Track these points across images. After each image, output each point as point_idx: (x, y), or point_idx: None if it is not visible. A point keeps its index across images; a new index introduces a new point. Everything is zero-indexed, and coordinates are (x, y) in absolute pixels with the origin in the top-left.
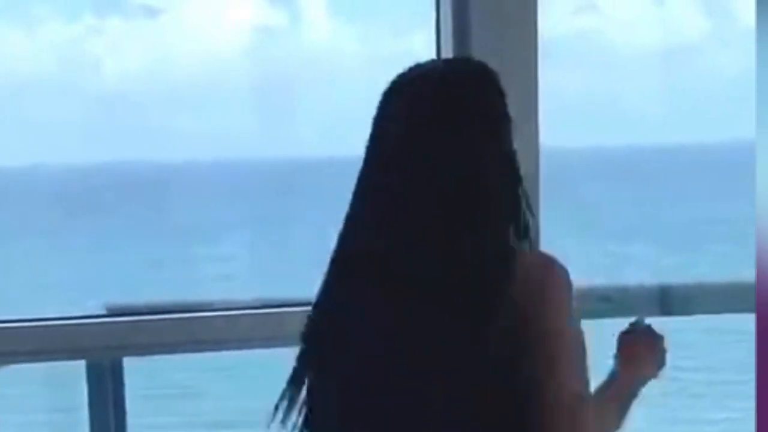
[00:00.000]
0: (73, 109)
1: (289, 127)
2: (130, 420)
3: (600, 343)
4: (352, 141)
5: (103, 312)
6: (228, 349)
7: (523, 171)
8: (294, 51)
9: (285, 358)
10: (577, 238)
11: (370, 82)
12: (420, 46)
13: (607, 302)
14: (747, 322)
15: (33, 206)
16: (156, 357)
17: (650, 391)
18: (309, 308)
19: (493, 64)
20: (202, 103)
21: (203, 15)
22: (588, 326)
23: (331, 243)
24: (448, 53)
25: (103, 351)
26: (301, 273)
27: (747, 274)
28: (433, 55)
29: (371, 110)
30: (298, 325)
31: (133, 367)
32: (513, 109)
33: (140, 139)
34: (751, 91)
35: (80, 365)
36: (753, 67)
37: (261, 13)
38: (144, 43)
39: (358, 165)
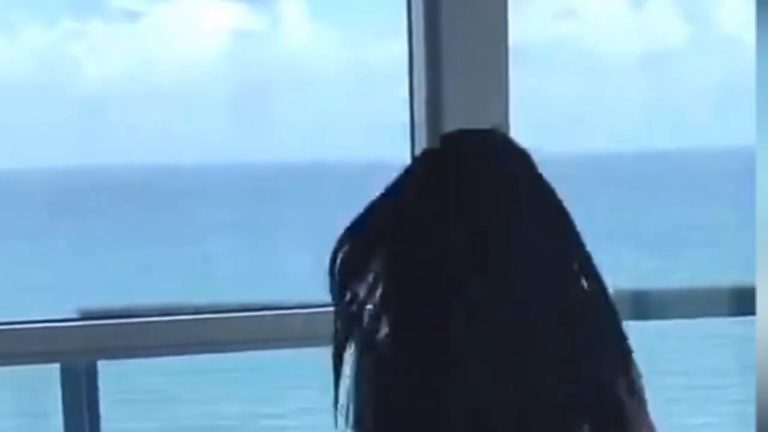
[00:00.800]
0: (54, 112)
1: (269, 131)
2: (105, 425)
3: None
4: (332, 145)
5: (77, 315)
6: (204, 352)
7: None
8: (274, 55)
9: (261, 362)
10: None
11: (350, 87)
12: (400, 51)
13: None
14: (723, 326)
15: (14, 209)
16: (131, 361)
17: None
18: (290, 310)
19: (464, 69)
20: (183, 107)
21: (184, 19)
22: None
23: (313, 247)
24: (420, 58)
25: (77, 354)
26: (282, 276)
27: (724, 278)
28: (406, 61)
29: (351, 115)
30: (277, 328)
31: (108, 371)
32: (485, 114)
33: (121, 143)
34: (730, 96)
35: (54, 369)
36: (733, 73)
37: (241, 18)
38: (125, 46)
39: (338, 169)
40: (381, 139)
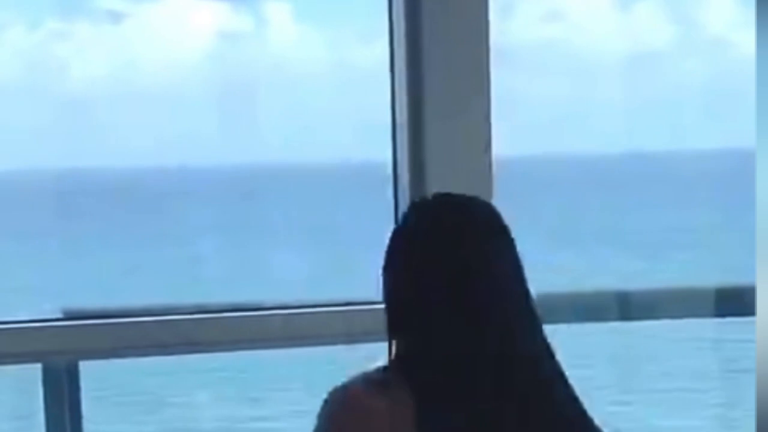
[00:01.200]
0: (39, 113)
1: (253, 132)
2: (88, 426)
3: (566, 347)
4: (317, 146)
5: (60, 315)
6: (190, 353)
7: (476, 178)
8: (259, 56)
9: (247, 364)
10: (543, 245)
11: (334, 88)
12: (384, 52)
13: (573, 311)
14: (707, 329)
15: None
16: (117, 363)
17: (609, 396)
18: (274, 311)
19: (445, 70)
20: (168, 108)
21: (169, 20)
22: (555, 331)
23: (299, 247)
24: (401, 60)
25: (59, 355)
26: (267, 276)
27: (709, 280)
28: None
29: (336, 116)
30: (262, 329)
31: (93, 372)
32: (466, 115)
33: (107, 144)
34: (716, 98)
35: (36, 369)
36: (719, 75)
37: (226, 19)
38: (110, 47)
39: (323, 169)
40: (365, 140)
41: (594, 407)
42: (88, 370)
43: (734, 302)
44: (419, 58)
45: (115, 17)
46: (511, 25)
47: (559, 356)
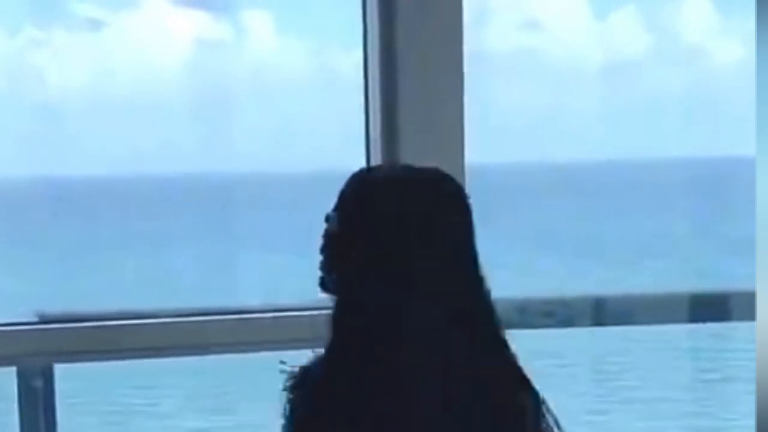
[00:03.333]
0: (16, 121)
1: (232, 141)
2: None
3: (543, 353)
4: (296, 155)
5: (35, 319)
6: (153, 357)
7: None
8: (238, 65)
9: (221, 369)
10: (520, 252)
11: (314, 97)
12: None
13: (550, 317)
14: (682, 336)
15: None
16: (92, 371)
17: (583, 405)
18: (250, 315)
19: (419, 79)
20: (146, 116)
21: (147, 28)
22: (532, 337)
23: (277, 255)
24: (374, 69)
25: (33, 357)
26: (241, 283)
27: (683, 286)
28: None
29: (316, 124)
30: (238, 331)
31: (68, 380)
32: (440, 125)
33: (83, 152)
34: (692, 107)
35: (11, 372)
36: (696, 84)
37: (205, 27)
38: (87, 55)
39: (302, 178)
40: (345, 148)
41: (570, 416)
42: (61, 376)
43: (708, 308)
44: (393, 66)
45: (94, 25)
46: (488, 32)
47: (531, 362)
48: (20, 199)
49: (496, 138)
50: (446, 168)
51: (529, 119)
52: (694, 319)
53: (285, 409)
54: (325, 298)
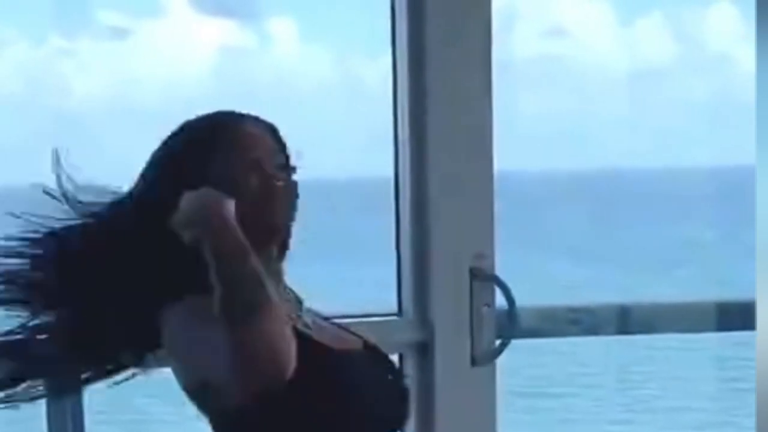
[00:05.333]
0: (41, 129)
1: None
2: None
3: (567, 360)
4: (321, 162)
5: None
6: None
7: (478, 192)
8: (263, 72)
9: None
10: (543, 258)
11: (339, 104)
12: (389, 68)
13: (575, 325)
14: (710, 344)
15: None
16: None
17: (606, 414)
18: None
19: (448, 91)
20: (171, 125)
21: (172, 36)
22: (557, 345)
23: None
24: (403, 75)
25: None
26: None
27: (709, 295)
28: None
29: (341, 131)
30: None
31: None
32: (468, 132)
33: (108, 161)
34: (718, 115)
35: None
36: (721, 91)
37: (230, 35)
38: (112, 64)
39: (327, 186)
40: (370, 156)
41: (594, 424)
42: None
43: (734, 317)
44: (422, 73)
45: (119, 33)
46: (513, 39)
47: (556, 370)
48: (48, 208)
49: (521, 145)
50: (475, 174)
51: (553, 126)
52: (720, 327)
53: None
54: (363, 308)
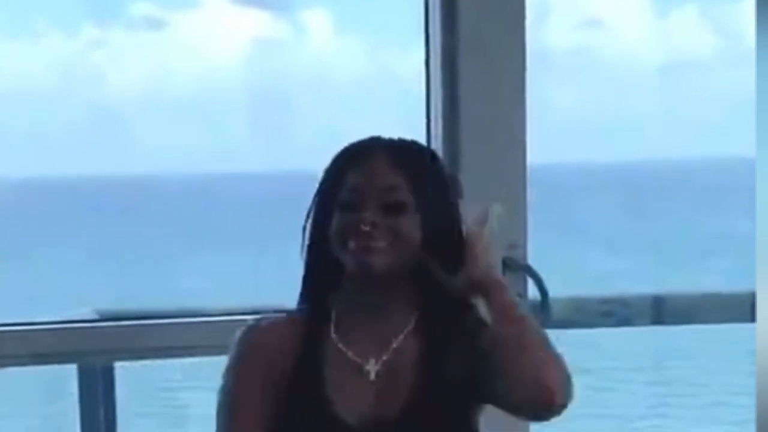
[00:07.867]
0: (75, 121)
1: (291, 140)
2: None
3: (600, 351)
4: None
5: (96, 317)
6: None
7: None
8: (297, 64)
9: None
10: (578, 250)
11: (373, 96)
12: (422, 60)
13: (609, 316)
14: (745, 337)
15: (33, 216)
16: (151, 369)
17: (640, 409)
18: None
19: (481, 84)
20: (205, 116)
21: (207, 27)
22: (591, 336)
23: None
24: (436, 71)
25: (94, 355)
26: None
27: (746, 285)
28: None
29: (374, 123)
30: None
31: (127, 379)
32: (502, 124)
33: (143, 151)
34: (752, 108)
35: (71, 369)
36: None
37: (264, 27)
38: (147, 55)
39: None
40: None
41: (627, 418)
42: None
43: None
44: (455, 65)
45: (153, 24)
46: (547, 31)
47: (589, 362)
48: (83, 198)
49: (555, 137)
50: (508, 165)
51: (587, 117)
52: (756, 318)
53: None
54: None
